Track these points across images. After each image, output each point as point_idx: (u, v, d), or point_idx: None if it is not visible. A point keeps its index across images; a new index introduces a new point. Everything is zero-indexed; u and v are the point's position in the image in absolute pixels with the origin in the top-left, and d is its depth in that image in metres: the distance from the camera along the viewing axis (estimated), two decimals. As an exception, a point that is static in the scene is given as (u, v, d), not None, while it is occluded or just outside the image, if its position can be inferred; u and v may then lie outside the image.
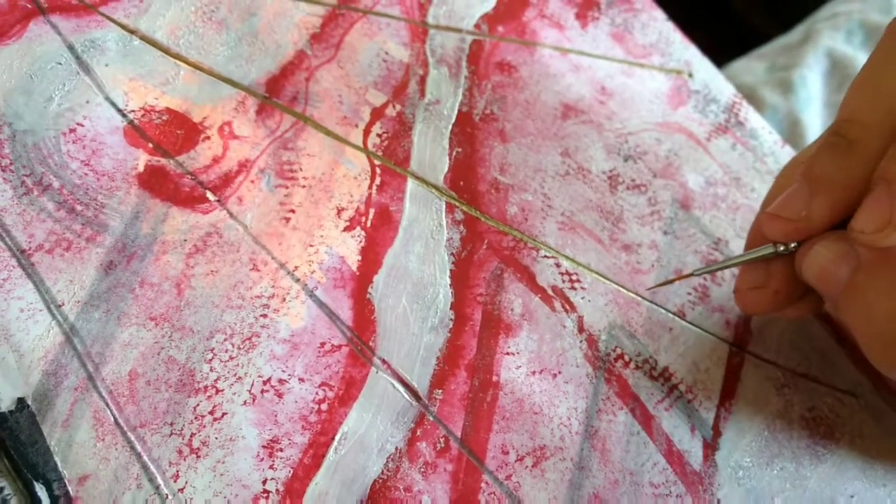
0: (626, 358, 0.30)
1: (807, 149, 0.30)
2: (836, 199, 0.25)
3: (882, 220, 0.23)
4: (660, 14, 0.41)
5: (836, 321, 0.33)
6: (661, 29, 0.41)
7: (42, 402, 0.24)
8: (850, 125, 0.25)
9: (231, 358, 0.26)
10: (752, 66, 0.54)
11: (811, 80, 0.50)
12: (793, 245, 0.27)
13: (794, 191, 0.26)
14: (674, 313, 0.32)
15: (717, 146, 0.37)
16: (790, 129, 0.48)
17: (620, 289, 0.32)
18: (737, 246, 0.34)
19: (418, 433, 0.27)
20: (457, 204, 0.32)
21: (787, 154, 0.38)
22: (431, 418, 0.27)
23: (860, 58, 0.52)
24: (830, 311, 0.26)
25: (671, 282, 0.32)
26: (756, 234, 0.30)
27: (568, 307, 0.31)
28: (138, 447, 0.24)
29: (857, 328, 0.25)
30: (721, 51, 0.49)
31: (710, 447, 0.29)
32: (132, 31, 0.31)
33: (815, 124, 0.48)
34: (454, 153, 0.33)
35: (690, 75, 0.40)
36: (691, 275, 0.30)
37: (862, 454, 0.31)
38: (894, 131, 0.24)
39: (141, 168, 0.29)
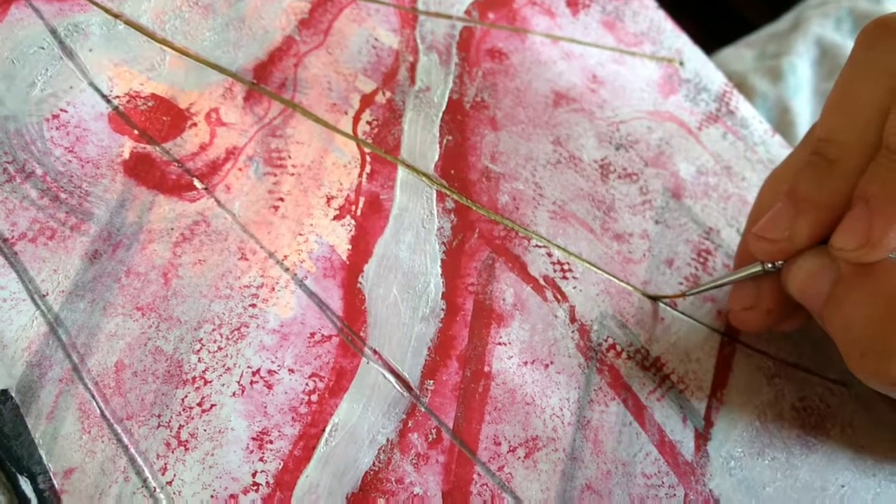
0: (618, 348, 0.30)
1: (784, 164, 0.30)
2: (819, 218, 0.26)
3: (861, 238, 0.24)
4: (650, 2, 0.41)
5: None
6: (652, 17, 0.40)
7: (26, 393, 0.24)
8: (829, 145, 0.26)
9: (219, 348, 0.26)
10: (741, 53, 0.54)
11: (800, 67, 0.50)
12: (779, 263, 0.27)
13: (777, 211, 0.27)
14: (666, 303, 0.32)
15: (709, 135, 0.37)
16: (780, 117, 0.48)
17: (612, 278, 0.31)
18: (728, 235, 0.34)
19: (410, 424, 0.26)
20: (448, 192, 0.31)
21: (777, 143, 0.38)
22: (423, 409, 0.27)
23: (849, 46, 0.52)
24: (819, 323, 0.27)
25: (658, 298, 0.32)
26: (744, 252, 0.31)
27: (560, 297, 0.30)
28: (125, 440, 0.24)
29: (837, 338, 0.26)
30: (710, 38, 0.49)
31: (702, 437, 0.29)
32: (116, 15, 0.31)
33: (804, 112, 0.48)
34: (445, 141, 0.32)
35: (681, 64, 0.39)
36: (683, 295, 0.31)
37: (852, 444, 0.31)
38: (872, 148, 0.25)
39: (126, 155, 0.28)
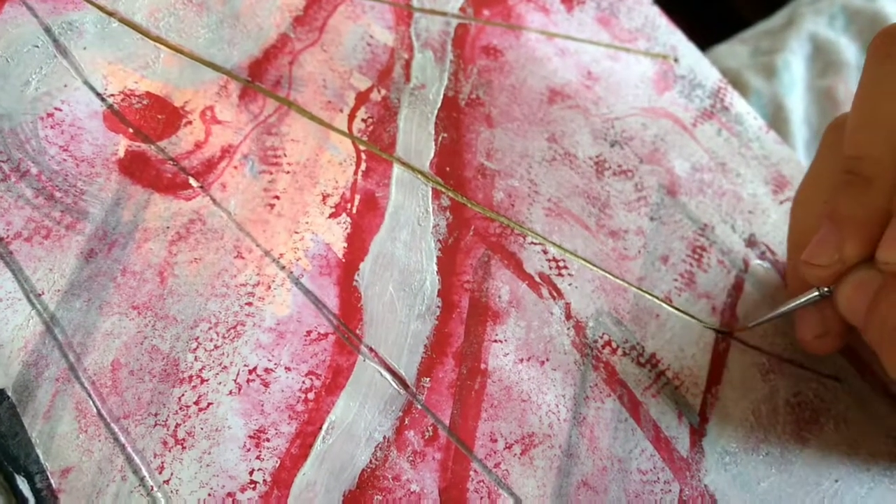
0: (614, 345, 0.30)
1: (808, 183, 0.30)
2: (865, 236, 0.26)
3: None
4: (645, -2, 0.41)
5: (859, 348, 0.33)
6: (647, 13, 0.40)
7: (22, 393, 0.24)
8: (862, 162, 0.26)
9: (216, 347, 0.26)
10: (735, 50, 0.54)
11: (794, 64, 0.50)
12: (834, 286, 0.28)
13: (823, 236, 0.27)
14: (661, 300, 0.32)
15: (703, 131, 0.37)
16: (774, 114, 0.48)
17: (607, 275, 0.31)
18: (722, 232, 0.34)
19: (406, 422, 0.26)
20: (443, 190, 0.31)
21: (771, 139, 0.38)
22: (419, 407, 0.27)
23: (842, 42, 0.52)
24: (865, 340, 0.27)
25: (730, 332, 0.32)
26: (795, 277, 0.31)
27: (555, 294, 0.30)
28: (122, 438, 0.24)
29: (875, 343, 0.26)
30: (705, 35, 0.49)
31: (697, 433, 0.29)
32: (111, 13, 0.30)
33: (798, 108, 0.48)
34: (440, 138, 0.32)
35: (676, 60, 0.39)
36: (745, 329, 0.32)
37: (846, 439, 0.31)
38: None
39: (121, 154, 0.28)
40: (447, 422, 0.27)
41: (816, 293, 0.28)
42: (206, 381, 0.25)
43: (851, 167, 0.26)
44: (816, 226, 0.28)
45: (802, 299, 0.29)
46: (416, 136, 0.32)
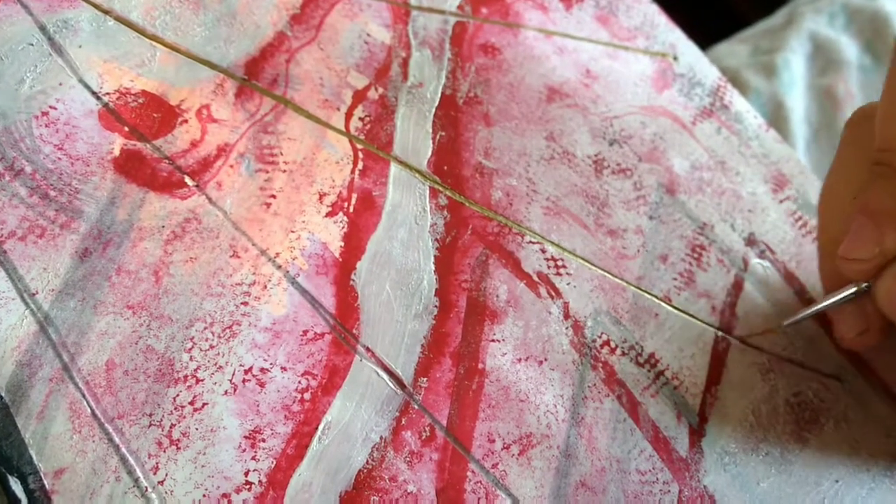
0: (612, 344, 0.30)
1: (833, 178, 0.30)
2: None
3: None
4: (644, -4, 0.41)
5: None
6: (646, 11, 0.40)
7: (16, 393, 0.23)
8: (893, 154, 0.25)
9: (211, 347, 0.26)
10: (735, 49, 0.54)
11: (794, 63, 0.50)
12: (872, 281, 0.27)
13: (858, 229, 0.26)
14: (660, 299, 0.31)
15: (703, 130, 0.37)
16: (774, 112, 0.48)
17: (606, 274, 0.31)
18: (722, 230, 0.34)
19: (403, 422, 0.26)
20: (441, 189, 0.31)
21: (771, 138, 0.38)
22: (416, 407, 0.27)
23: (843, 41, 0.51)
24: None
25: (762, 333, 0.32)
26: (830, 274, 0.30)
27: (553, 293, 0.30)
28: (116, 439, 0.24)
29: None
30: (704, 34, 0.49)
31: (696, 433, 0.29)
32: (106, 12, 0.30)
33: (798, 107, 0.48)
34: (438, 137, 0.32)
35: (675, 58, 0.39)
36: (779, 327, 0.32)
37: (846, 439, 0.31)
38: None
39: (117, 152, 0.28)
40: (444, 422, 0.27)
41: (854, 289, 0.28)
42: (202, 381, 0.25)
43: (883, 159, 0.25)
44: (848, 222, 0.27)
45: (840, 296, 0.28)
46: (414, 135, 0.32)
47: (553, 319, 0.30)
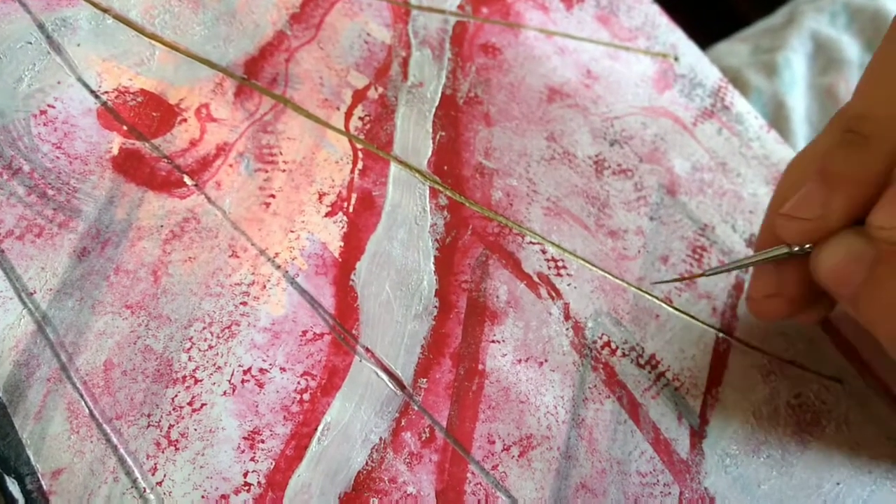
0: (613, 345, 0.30)
1: (811, 146, 0.29)
2: (854, 196, 0.25)
3: None
4: (645, -4, 0.41)
5: (844, 326, 0.32)
6: (647, 12, 0.40)
7: (13, 393, 0.23)
8: (864, 121, 0.24)
9: (210, 347, 0.26)
10: (736, 48, 0.54)
11: (795, 62, 0.50)
12: (808, 246, 0.26)
13: (809, 190, 0.26)
14: (660, 300, 0.31)
15: (703, 131, 0.37)
16: (775, 112, 0.48)
17: (607, 275, 0.31)
18: (723, 232, 0.34)
19: (403, 423, 0.26)
20: (441, 189, 0.31)
21: (772, 139, 0.38)
22: (416, 408, 0.26)
23: (844, 40, 0.51)
24: (849, 311, 0.26)
25: (679, 280, 0.31)
26: (767, 235, 0.29)
27: (554, 294, 0.30)
28: (114, 439, 0.23)
29: (879, 324, 0.25)
30: (705, 33, 0.49)
31: (697, 435, 0.29)
32: (105, 10, 0.30)
33: (799, 107, 0.48)
34: (438, 137, 0.32)
35: (676, 59, 0.39)
36: (703, 275, 0.29)
37: (847, 441, 0.30)
38: None
39: (115, 151, 0.28)
40: (444, 423, 0.26)
41: (786, 250, 0.26)
42: (200, 381, 0.25)
43: (852, 125, 0.25)
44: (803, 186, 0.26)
45: (769, 253, 0.27)
46: (414, 135, 0.32)
47: (553, 320, 0.29)
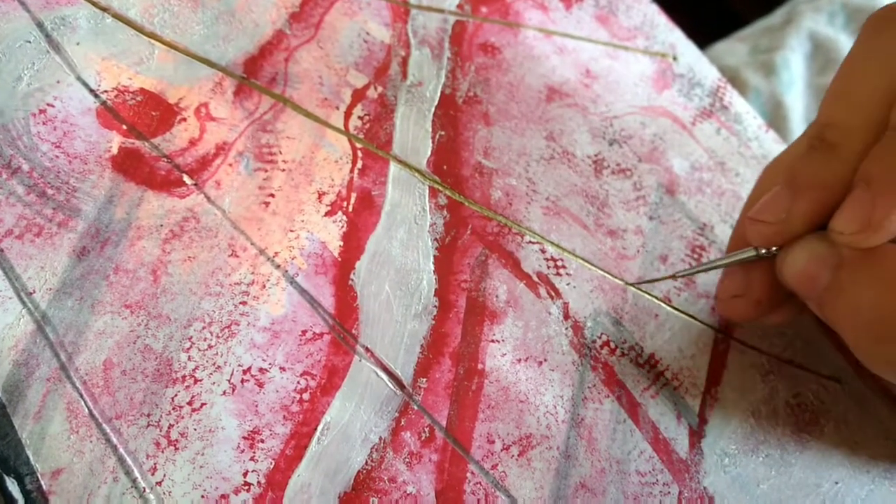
0: (612, 345, 0.30)
1: (784, 152, 0.30)
2: (817, 201, 0.25)
3: (863, 221, 0.23)
4: (644, -5, 0.41)
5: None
6: (646, 11, 0.40)
7: (13, 393, 0.23)
8: (830, 129, 0.25)
9: (210, 347, 0.25)
10: (734, 48, 0.54)
11: (794, 62, 0.50)
12: (774, 249, 0.27)
13: (774, 194, 0.26)
14: (659, 299, 0.31)
15: (702, 130, 0.37)
16: (773, 112, 0.48)
17: (606, 275, 0.31)
18: (722, 231, 0.34)
19: (403, 423, 0.26)
20: (440, 188, 0.31)
21: (771, 139, 0.38)
22: (416, 407, 0.26)
23: (842, 40, 0.51)
24: (816, 313, 0.26)
25: (655, 281, 0.32)
26: (737, 237, 0.30)
27: (553, 293, 0.30)
28: (114, 439, 0.23)
29: (844, 326, 0.25)
30: (703, 33, 0.49)
31: (696, 434, 0.29)
32: (104, 9, 0.30)
33: (797, 106, 0.48)
34: (437, 136, 0.32)
35: (675, 58, 0.39)
36: (674, 276, 0.30)
37: (846, 440, 0.31)
38: (874, 133, 0.24)
39: (115, 150, 0.28)
40: (444, 423, 0.26)
41: (753, 252, 0.27)
42: (200, 381, 0.25)
43: (818, 133, 0.25)
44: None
45: (738, 256, 0.28)
46: (413, 134, 0.32)
47: (553, 320, 0.30)
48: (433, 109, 0.33)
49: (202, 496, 0.23)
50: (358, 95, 0.32)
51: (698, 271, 0.30)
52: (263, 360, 0.26)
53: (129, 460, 0.23)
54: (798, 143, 0.29)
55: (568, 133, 0.34)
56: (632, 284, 0.31)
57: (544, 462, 0.27)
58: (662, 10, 0.41)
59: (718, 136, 0.37)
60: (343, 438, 0.25)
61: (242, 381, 0.25)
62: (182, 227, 0.27)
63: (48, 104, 0.28)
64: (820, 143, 0.25)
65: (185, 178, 0.28)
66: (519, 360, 0.28)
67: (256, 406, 0.25)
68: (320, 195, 0.29)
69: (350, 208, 0.29)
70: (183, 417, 0.24)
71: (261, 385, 0.25)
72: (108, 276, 0.26)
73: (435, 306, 0.28)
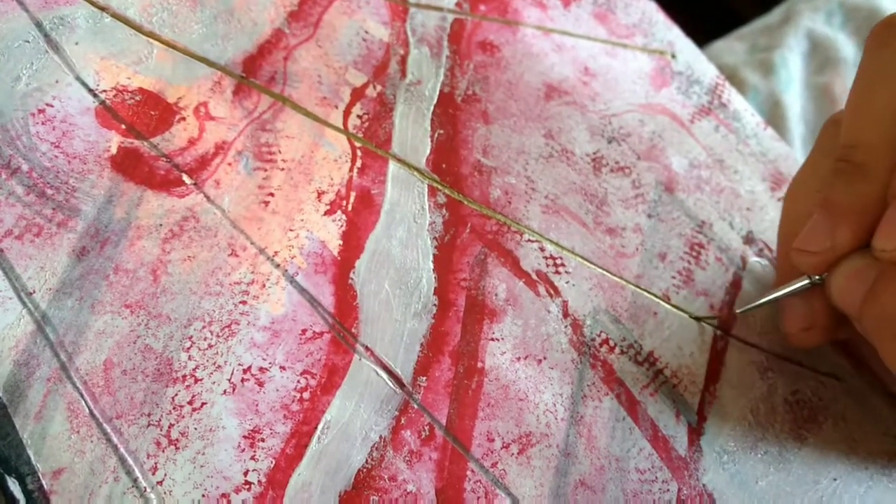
0: (611, 343, 0.30)
1: (802, 173, 0.30)
2: (857, 224, 0.26)
3: None
4: (643, -7, 0.41)
5: (857, 346, 0.33)
6: (644, 9, 0.40)
7: (13, 393, 0.23)
8: (855, 150, 0.26)
9: (210, 346, 0.26)
10: (732, 46, 0.54)
11: (792, 61, 0.50)
12: (826, 274, 0.27)
13: (815, 223, 0.27)
14: (658, 297, 0.31)
15: (701, 128, 0.37)
16: (771, 110, 0.48)
17: (605, 273, 0.31)
18: (720, 229, 0.34)
19: (403, 421, 0.26)
20: (439, 187, 0.31)
21: (769, 136, 0.38)
22: (416, 406, 0.26)
23: (840, 39, 0.52)
24: (857, 329, 0.27)
25: (714, 316, 0.32)
26: (784, 267, 0.30)
27: (552, 292, 0.30)
28: (115, 439, 0.23)
29: (875, 335, 0.25)
30: (702, 31, 0.49)
31: (695, 432, 0.29)
32: (103, 8, 0.30)
33: (795, 105, 0.48)
34: (436, 135, 0.32)
35: (673, 56, 0.39)
36: (734, 314, 0.32)
37: (845, 437, 0.31)
38: None
39: (114, 150, 0.28)
40: (444, 421, 0.26)
41: (807, 281, 0.28)
42: (200, 380, 0.25)
43: (844, 155, 0.26)
44: (809, 216, 0.27)
45: (792, 287, 0.28)
46: (412, 133, 0.32)
47: (552, 318, 0.30)
48: (432, 108, 0.33)
49: (203, 495, 0.23)
50: (357, 94, 0.32)
51: (759, 306, 0.30)
52: (263, 360, 0.26)
53: (129, 460, 0.23)
54: (814, 163, 0.30)
55: (567, 131, 0.34)
56: (696, 317, 0.32)
57: (544, 460, 0.27)
58: (661, 7, 0.41)
59: (717, 134, 0.37)
60: (343, 437, 0.25)
61: (243, 380, 0.25)
62: (182, 226, 0.27)
63: (47, 104, 0.28)
64: (848, 166, 0.26)
65: (185, 178, 0.28)
66: (518, 359, 0.28)
67: (257, 405, 0.25)
68: (320, 194, 0.29)
69: (349, 207, 0.29)
70: (183, 417, 0.24)
71: (261, 384, 0.25)
72: (107, 276, 0.26)
73: (434, 305, 0.28)
